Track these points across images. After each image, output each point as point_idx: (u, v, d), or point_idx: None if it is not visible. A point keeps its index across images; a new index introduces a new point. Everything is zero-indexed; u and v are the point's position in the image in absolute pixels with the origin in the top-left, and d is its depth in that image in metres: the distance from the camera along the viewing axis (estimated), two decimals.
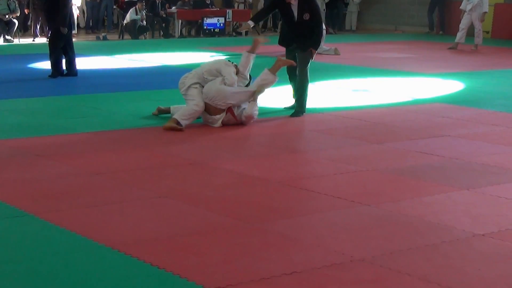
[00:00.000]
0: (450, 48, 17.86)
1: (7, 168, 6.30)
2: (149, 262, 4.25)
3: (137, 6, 19.41)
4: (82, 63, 13.47)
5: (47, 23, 12.98)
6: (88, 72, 12.68)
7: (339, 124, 8.57)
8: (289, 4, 8.76)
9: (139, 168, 6.38)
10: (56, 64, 11.57)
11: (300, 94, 8.94)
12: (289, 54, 9.04)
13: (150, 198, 5.53)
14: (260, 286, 3.99)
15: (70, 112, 8.99)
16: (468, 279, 4.18)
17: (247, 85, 8.41)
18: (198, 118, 8.23)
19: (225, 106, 8.12)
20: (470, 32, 17.83)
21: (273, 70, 8.49)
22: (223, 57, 12.86)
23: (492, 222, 5.15)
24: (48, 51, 11.75)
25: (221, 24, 20.82)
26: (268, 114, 8.98)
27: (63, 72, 11.67)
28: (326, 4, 22.34)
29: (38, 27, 18.68)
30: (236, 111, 8.25)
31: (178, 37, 20.48)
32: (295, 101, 9.03)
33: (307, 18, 8.75)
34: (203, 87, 8.17)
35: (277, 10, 9.12)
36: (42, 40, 17.63)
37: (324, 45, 15.55)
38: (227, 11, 21.25)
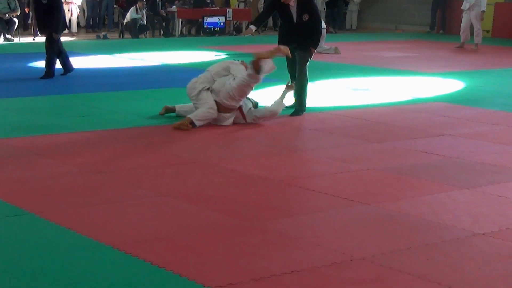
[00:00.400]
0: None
1: (7, 167, 6.29)
2: (149, 261, 4.24)
3: (137, 5, 19.42)
4: (83, 62, 13.49)
5: (38, 28, 12.94)
6: (88, 71, 12.69)
7: (339, 123, 8.56)
8: (288, 5, 8.76)
9: (139, 167, 6.38)
10: (50, 66, 11.49)
11: (300, 93, 8.94)
12: None
13: (150, 197, 5.52)
14: (260, 285, 3.99)
15: (70, 111, 8.99)
16: (468, 278, 4.18)
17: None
18: None
19: (234, 102, 8.06)
20: (471, 32, 17.84)
21: (270, 54, 8.15)
22: (224, 57, 12.86)
23: (492, 221, 5.14)
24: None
25: (222, 23, 20.84)
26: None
27: (53, 74, 11.54)
28: (327, 3, 22.35)
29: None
30: (244, 110, 8.22)
31: (179, 36, 20.49)
32: (295, 100, 9.02)
33: (306, 19, 8.75)
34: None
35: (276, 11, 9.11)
36: (42, 39, 17.53)
37: (324, 44, 15.57)
38: (227, 10, 21.26)
